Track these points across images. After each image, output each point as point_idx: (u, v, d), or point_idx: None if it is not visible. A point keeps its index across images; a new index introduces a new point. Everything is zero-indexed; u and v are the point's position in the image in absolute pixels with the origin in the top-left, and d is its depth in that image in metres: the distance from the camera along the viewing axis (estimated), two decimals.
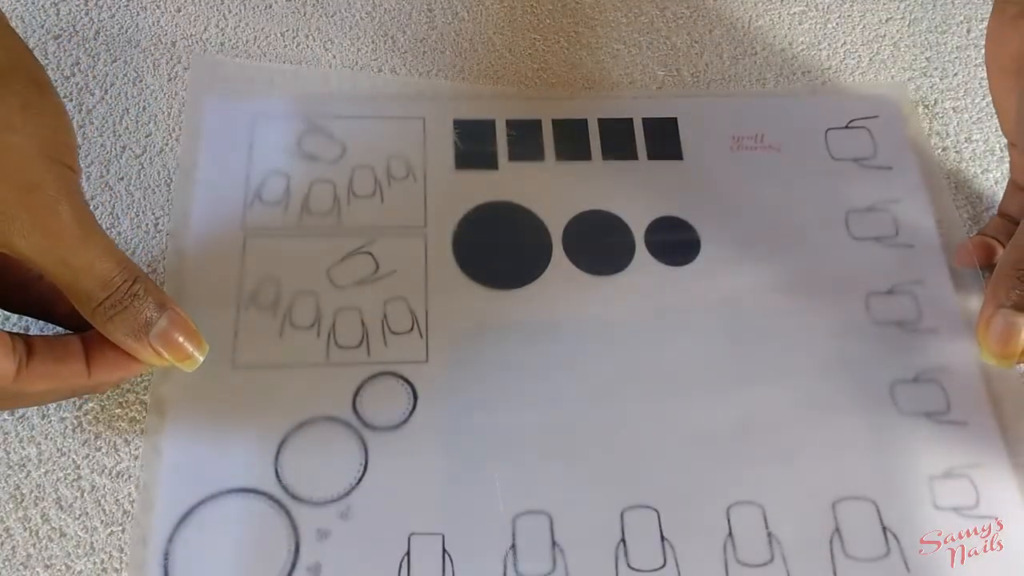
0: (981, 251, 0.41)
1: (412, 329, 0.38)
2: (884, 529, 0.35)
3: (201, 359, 0.33)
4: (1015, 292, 0.33)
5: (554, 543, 0.34)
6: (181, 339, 0.33)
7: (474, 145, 0.43)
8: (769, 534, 0.35)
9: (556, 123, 0.44)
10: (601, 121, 0.44)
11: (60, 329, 0.36)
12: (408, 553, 0.34)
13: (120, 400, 0.36)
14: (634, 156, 0.44)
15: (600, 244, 0.41)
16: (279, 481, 0.35)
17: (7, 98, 0.29)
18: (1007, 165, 0.44)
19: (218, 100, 0.43)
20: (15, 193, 0.29)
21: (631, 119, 0.45)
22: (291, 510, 0.34)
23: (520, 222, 0.42)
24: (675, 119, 0.45)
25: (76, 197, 0.30)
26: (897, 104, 0.46)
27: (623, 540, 0.35)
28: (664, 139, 0.44)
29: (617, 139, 0.44)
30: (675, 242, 0.41)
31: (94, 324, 0.31)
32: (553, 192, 0.42)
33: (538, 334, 0.39)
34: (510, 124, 0.44)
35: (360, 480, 0.35)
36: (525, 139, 0.44)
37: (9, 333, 0.31)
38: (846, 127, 0.45)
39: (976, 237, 0.42)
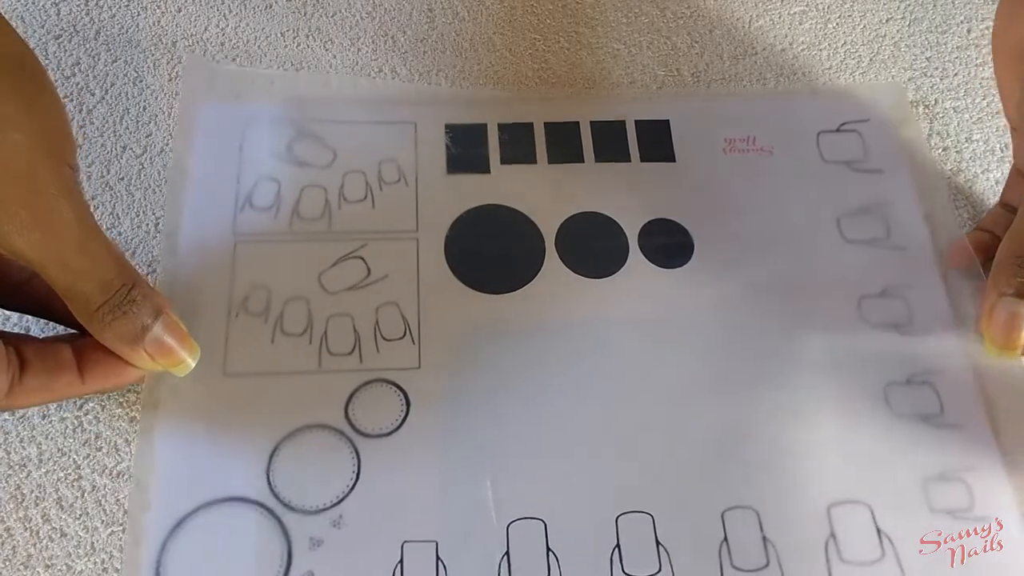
0: (979, 249, 0.41)
1: (404, 335, 0.38)
2: (879, 532, 0.35)
3: (193, 364, 0.33)
4: (1016, 280, 0.33)
5: (548, 549, 0.34)
6: (175, 345, 0.32)
7: (466, 149, 0.43)
8: (764, 538, 0.35)
9: (548, 126, 0.44)
10: (593, 124, 0.44)
11: (60, 328, 0.36)
12: (401, 561, 0.34)
13: (120, 400, 0.36)
14: (627, 158, 0.43)
15: (593, 247, 0.41)
16: (271, 489, 0.35)
17: (10, 96, 0.29)
18: (1007, 165, 0.44)
19: (209, 105, 0.43)
20: (16, 191, 0.29)
21: (623, 121, 0.44)
22: (283, 518, 0.34)
23: (513, 225, 0.41)
24: (667, 121, 0.45)
25: (77, 196, 0.30)
26: (889, 106, 0.46)
27: (618, 546, 0.35)
28: (657, 141, 0.44)
29: (609, 141, 0.44)
30: (668, 244, 0.41)
31: (89, 328, 0.31)
32: (546, 195, 0.42)
33: (531, 338, 0.39)
34: (502, 128, 0.44)
35: (353, 488, 0.35)
36: (517, 142, 0.43)
37: (3, 344, 0.30)
38: (837, 130, 0.45)
39: (973, 233, 0.41)
